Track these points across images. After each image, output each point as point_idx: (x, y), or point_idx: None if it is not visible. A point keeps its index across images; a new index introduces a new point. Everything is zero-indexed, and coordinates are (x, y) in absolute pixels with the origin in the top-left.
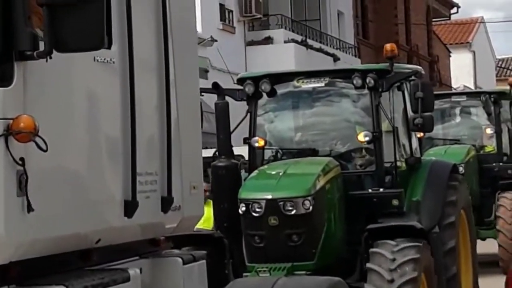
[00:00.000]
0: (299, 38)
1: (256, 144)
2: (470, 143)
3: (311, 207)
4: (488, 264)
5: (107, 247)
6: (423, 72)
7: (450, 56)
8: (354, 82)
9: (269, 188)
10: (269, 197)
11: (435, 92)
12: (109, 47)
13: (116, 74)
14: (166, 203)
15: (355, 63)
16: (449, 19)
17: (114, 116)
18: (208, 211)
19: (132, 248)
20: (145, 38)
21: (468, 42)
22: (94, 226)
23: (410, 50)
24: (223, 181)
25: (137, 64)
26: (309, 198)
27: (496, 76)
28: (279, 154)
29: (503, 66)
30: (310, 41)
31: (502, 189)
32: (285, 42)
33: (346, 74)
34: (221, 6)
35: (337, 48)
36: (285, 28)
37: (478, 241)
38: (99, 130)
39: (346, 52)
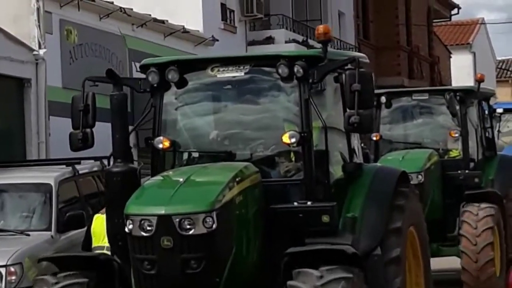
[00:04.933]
0: (300, 38)
1: (160, 146)
2: (433, 147)
3: (214, 225)
4: (449, 283)
5: None
6: (366, 60)
7: (450, 57)
8: (280, 71)
9: (162, 201)
10: (162, 212)
11: (395, 90)
12: None
13: None
14: None
15: None
16: (450, 20)
17: None
18: None
19: None
20: None
21: (468, 43)
22: None
23: (410, 51)
24: (118, 190)
25: None
26: (213, 214)
27: (496, 77)
28: (194, 158)
29: (503, 67)
30: (311, 41)
31: (467, 201)
32: (286, 42)
33: (271, 62)
34: (223, 5)
35: (338, 49)
36: (286, 28)
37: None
38: None
39: None
